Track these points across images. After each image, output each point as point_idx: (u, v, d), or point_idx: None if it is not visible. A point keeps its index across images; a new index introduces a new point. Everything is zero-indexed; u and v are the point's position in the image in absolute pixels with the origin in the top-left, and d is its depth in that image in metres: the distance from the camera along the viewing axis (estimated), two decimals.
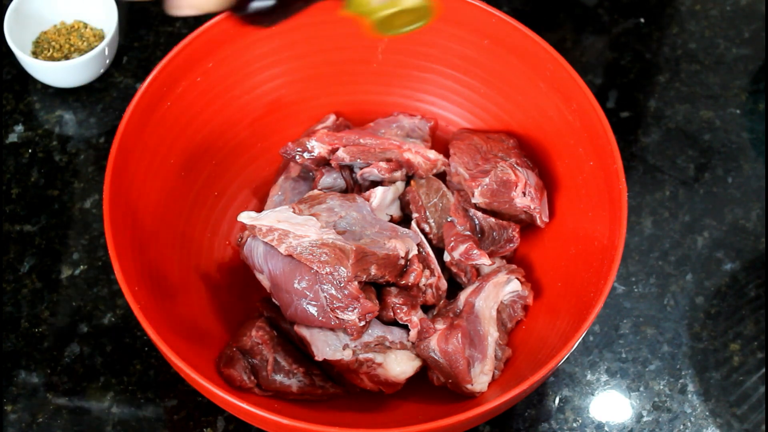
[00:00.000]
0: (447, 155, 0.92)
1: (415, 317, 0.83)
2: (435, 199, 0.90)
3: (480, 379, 0.82)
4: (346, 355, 0.82)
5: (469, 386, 0.82)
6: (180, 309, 0.85)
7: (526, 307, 0.88)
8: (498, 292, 0.86)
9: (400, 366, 0.83)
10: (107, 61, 1.05)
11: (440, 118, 0.98)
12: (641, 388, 0.92)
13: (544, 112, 0.90)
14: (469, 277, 0.88)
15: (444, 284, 0.87)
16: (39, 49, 1.05)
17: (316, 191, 0.89)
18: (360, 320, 0.80)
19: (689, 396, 0.92)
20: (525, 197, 0.88)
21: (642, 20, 1.14)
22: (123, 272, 0.76)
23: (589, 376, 0.92)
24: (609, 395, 0.92)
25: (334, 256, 0.79)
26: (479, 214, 0.89)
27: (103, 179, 0.80)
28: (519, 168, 0.89)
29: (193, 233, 0.91)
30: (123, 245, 0.79)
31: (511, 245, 0.90)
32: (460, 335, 0.81)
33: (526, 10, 1.14)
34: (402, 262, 0.83)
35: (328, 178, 0.91)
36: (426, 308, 0.87)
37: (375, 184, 0.91)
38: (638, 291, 0.97)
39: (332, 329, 0.83)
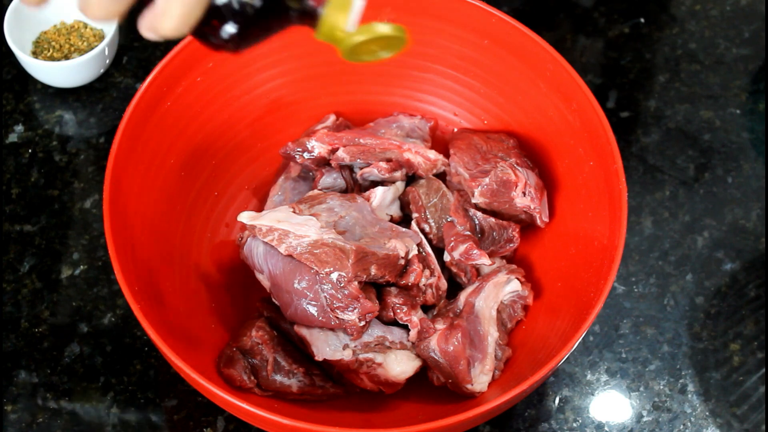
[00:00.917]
0: (447, 155, 0.92)
1: (415, 317, 0.83)
2: (435, 199, 0.90)
3: (480, 379, 0.82)
4: (346, 355, 0.82)
5: (469, 386, 0.82)
6: (180, 309, 0.85)
7: (526, 307, 0.88)
8: (498, 292, 0.86)
9: (400, 366, 0.83)
10: (107, 61, 1.05)
11: (440, 118, 0.98)
12: (641, 388, 0.92)
13: (544, 112, 0.90)
14: (469, 277, 0.88)
15: (444, 284, 0.87)
16: (39, 49, 1.05)
17: (316, 191, 0.89)
18: (360, 320, 0.80)
19: (689, 396, 0.92)
20: (525, 197, 0.88)
21: (642, 20, 1.14)
22: (123, 272, 0.76)
23: (589, 376, 0.92)
24: (609, 395, 0.92)
25: (334, 256, 0.79)
26: (479, 214, 0.89)
27: (103, 179, 0.80)
28: (519, 168, 0.89)
29: (193, 233, 0.91)
30: (123, 245, 0.79)
31: (511, 245, 0.90)
32: (460, 335, 0.81)
33: (526, 10, 1.14)
34: (402, 262, 0.83)
35: (328, 178, 0.91)
36: (426, 308, 0.87)
37: (375, 184, 0.91)
38: (638, 291, 0.97)
39: (332, 329, 0.83)
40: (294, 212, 0.84)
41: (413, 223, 0.89)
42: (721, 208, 1.02)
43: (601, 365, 0.93)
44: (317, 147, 0.89)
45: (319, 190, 0.90)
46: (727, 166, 1.04)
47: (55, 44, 1.05)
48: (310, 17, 0.62)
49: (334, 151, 0.89)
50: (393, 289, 0.84)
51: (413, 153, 0.90)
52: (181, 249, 0.89)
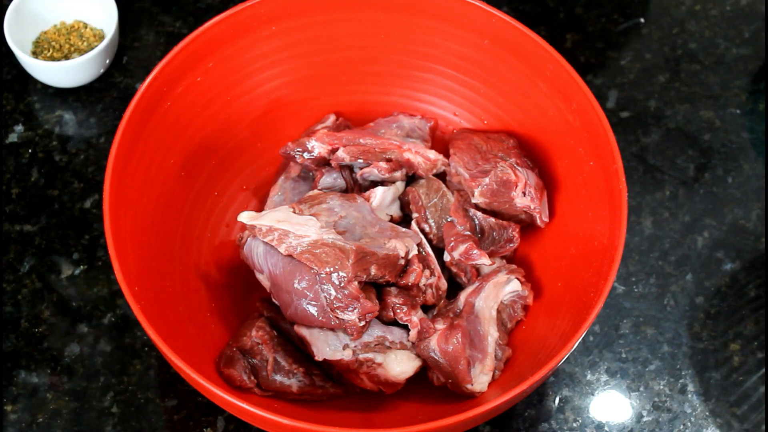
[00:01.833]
0: (447, 155, 0.92)
1: (415, 317, 0.83)
2: (435, 199, 0.90)
3: (480, 379, 0.82)
4: (346, 355, 0.82)
5: (469, 386, 0.82)
6: (180, 309, 0.85)
7: (526, 307, 0.88)
8: (498, 292, 0.86)
9: (400, 366, 0.83)
10: (107, 61, 1.05)
11: (440, 118, 0.98)
12: (641, 388, 0.92)
13: (544, 112, 0.90)
14: (469, 277, 0.88)
15: (444, 284, 0.87)
16: (39, 49, 1.05)
17: (316, 191, 0.89)
18: (360, 320, 0.80)
19: (689, 396, 0.92)
20: (525, 197, 0.88)
21: (642, 20, 1.14)
22: (123, 272, 0.76)
23: (589, 376, 0.92)
24: (609, 395, 0.92)
25: (334, 256, 0.79)
26: (479, 214, 0.89)
27: (103, 179, 0.80)
28: (519, 168, 0.89)
29: (193, 233, 0.91)
30: (123, 245, 0.79)
31: (511, 245, 0.90)
32: (460, 335, 0.81)
33: (526, 10, 1.14)
34: (402, 262, 0.83)
35: (328, 178, 0.91)
36: (426, 308, 0.87)
37: (375, 184, 0.91)
38: (638, 291, 0.97)
39: (332, 329, 0.83)
40: (294, 212, 0.84)
41: (413, 223, 0.89)
42: (721, 208, 1.02)
43: (601, 365, 0.93)
44: (317, 147, 0.89)
45: (319, 190, 0.90)
46: (727, 166, 1.04)
47: (55, 44, 1.05)
48: None
49: (334, 151, 0.89)
50: (393, 289, 0.84)
51: (413, 153, 0.90)
52: (181, 249, 0.89)
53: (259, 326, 0.85)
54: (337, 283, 0.79)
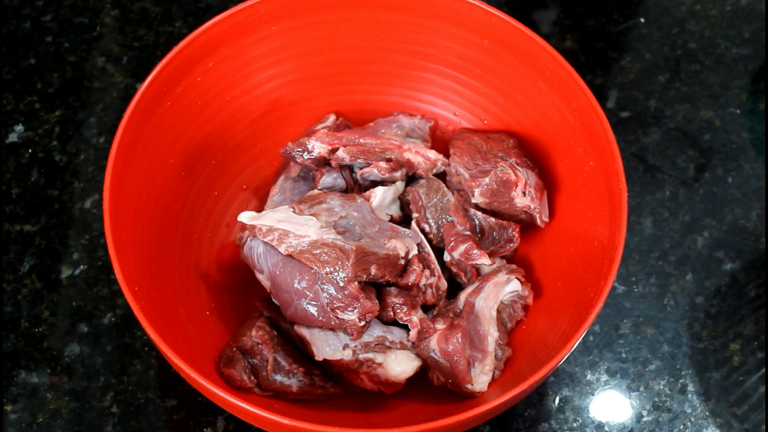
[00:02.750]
0: (447, 155, 0.92)
1: (415, 317, 0.83)
2: (435, 199, 0.90)
3: (480, 379, 0.82)
4: (346, 355, 0.82)
5: (469, 386, 0.82)
6: (180, 309, 0.85)
7: (526, 307, 0.88)
8: (498, 292, 0.86)
9: (400, 366, 0.83)
10: None
11: (440, 118, 0.98)
12: (641, 388, 0.92)
13: (544, 112, 0.90)
14: (469, 277, 0.88)
15: (444, 284, 0.87)
16: None
17: (316, 191, 0.89)
18: (360, 320, 0.80)
19: (689, 396, 0.92)
20: (525, 197, 0.88)
21: (642, 20, 1.14)
22: (123, 272, 0.76)
23: (589, 376, 0.92)
24: (609, 395, 0.92)
25: (334, 256, 0.79)
26: (479, 214, 0.89)
27: (103, 179, 0.80)
28: (519, 168, 0.89)
29: (193, 233, 0.91)
30: (123, 245, 0.79)
31: (511, 245, 0.90)
32: (460, 335, 0.81)
33: (526, 10, 1.14)
34: (402, 262, 0.83)
35: (328, 178, 0.91)
36: (426, 308, 0.87)
37: (375, 184, 0.91)
38: (638, 291, 0.97)
39: (332, 329, 0.83)
40: (294, 212, 0.84)
41: (413, 223, 0.89)
42: (721, 208, 1.02)
43: (601, 365, 0.93)
44: (317, 147, 0.89)
45: (319, 190, 0.90)
46: (727, 166, 1.04)
47: None
48: None
49: (334, 151, 0.89)
50: (393, 289, 0.84)
51: (413, 153, 0.90)
52: (181, 249, 0.89)
53: (259, 326, 0.85)
54: (337, 283, 0.79)
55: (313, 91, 0.97)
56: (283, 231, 0.82)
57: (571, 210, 0.89)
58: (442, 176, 0.92)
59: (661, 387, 0.92)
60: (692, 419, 0.91)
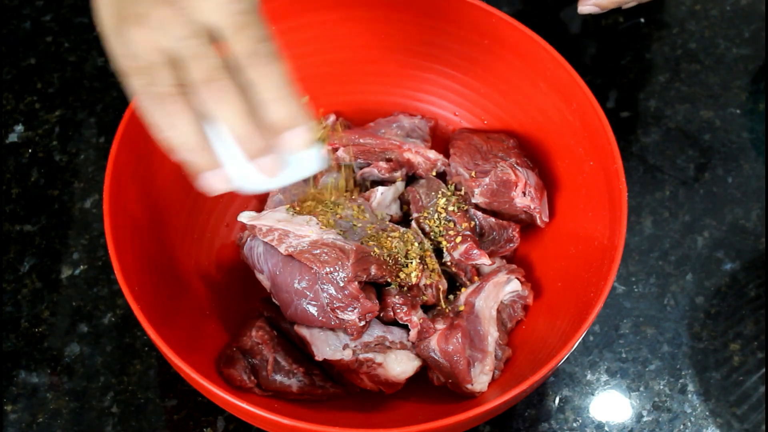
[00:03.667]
0: (447, 155, 0.92)
1: (415, 317, 0.83)
2: (435, 199, 0.90)
3: (480, 379, 0.82)
4: (346, 355, 0.82)
5: (469, 386, 0.82)
6: (180, 309, 0.85)
7: (526, 307, 0.88)
8: (498, 292, 0.86)
9: (400, 366, 0.83)
10: None
11: (440, 118, 0.98)
12: (641, 388, 0.92)
13: (544, 112, 0.90)
14: (469, 277, 0.88)
15: (444, 284, 0.87)
16: None
17: (316, 191, 0.89)
18: (360, 320, 0.80)
19: (689, 396, 0.92)
20: (525, 197, 0.88)
21: (642, 20, 1.14)
22: (123, 272, 0.76)
23: (589, 376, 0.92)
24: (609, 395, 0.92)
25: (334, 256, 0.79)
26: (479, 214, 0.89)
27: (103, 179, 0.80)
28: (519, 168, 0.89)
29: (193, 233, 0.91)
30: (123, 245, 0.79)
31: (511, 245, 0.90)
32: (460, 335, 0.81)
33: (526, 10, 1.14)
34: (402, 262, 0.83)
35: (328, 179, 0.91)
36: (426, 308, 0.87)
37: (375, 184, 0.91)
38: (638, 291, 0.97)
39: (332, 329, 0.83)
40: (294, 212, 0.84)
41: (413, 223, 0.89)
42: (721, 208, 1.02)
43: (601, 365, 0.93)
44: None
45: (319, 190, 0.90)
46: (727, 166, 1.04)
47: None
48: None
49: (334, 151, 0.89)
50: (393, 289, 0.84)
51: (413, 153, 0.90)
52: (181, 249, 0.89)
53: (259, 326, 0.85)
54: (337, 283, 0.79)
55: (313, 91, 0.97)
56: (283, 231, 0.82)
57: (571, 210, 0.89)
58: (442, 176, 0.92)
59: (661, 387, 0.92)
60: (692, 419, 0.91)
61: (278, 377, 0.83)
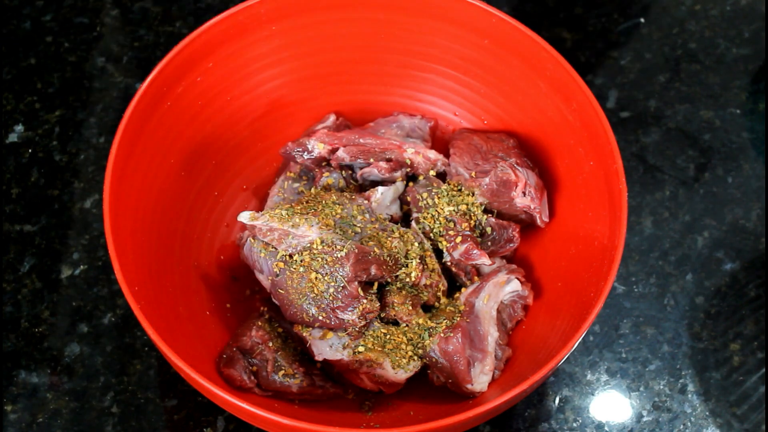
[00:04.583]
0: (447, 155, 0.92)
1: (415, 317, 0.83)
2: (435, 199, 0.90)
3: (480, 379, 0.82)
4: (346, 355, 0.82)
5: (469, 386, 0.82)
6: (180, 309, 0.85)
7: (526, 307, 0.88)
8: (498, 292, 0.86)
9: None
10: None
11: (440, 118, 0.98)
12: (641, 388, 0.92)
13: (544, 112, 0.90)
14: (469, 277, 0.88)
15: (444, 284, 0.87)
16: None
17: (315, 191, 0.89)
18: (360, 320, 0.80)
19: (689, 396, 0.92)
20: (525, 197, 0.88)
21: (642, 20, 1.14)
22: (123, 272, 0.76)
23: (589, 376, 0.92)
24: (609, 395, 0.92)
25: (334, 256, 0.79)
26: (479, 213, 0.89)
27: (103, 179, 0.80)
28: (519, 168, 0.89)
29: (193, 233, 0.91)
30: (123, 245, 0.79)
31: (511, 245, 0.90)
32: (460, 335, 0.81)
33: (526, 10, 1.14)
34: (402, 262, 0.83)
35: (328, 179, 0.91)
36: (426, 308, 0.87)
37: (375, 184, 0.91)
38: (638, 291, 0.97)
39: (332, 329, 0.83)
40: (294, 212, 0.84)
41: (413, 223, 0.89)
42: (721, 208, 1.02)
43: (601, 365, 0.93)
44: (317, 147, 0.89)
45: (319, 189, 0.90)
46: (727, 166, 1.04)
47: None
48: None
49: (334, 151, 0.89)
50: (393, 289, 0.84)
51: (413, 153, 0.90)
52: (181, 249, 0.89)
53: (259, 326, 0.85)
54: (337, 282, 0.79)
55: (313, 91, 0.97)
56: (283, 231, 0.82)
57: (571, 210, 0.89)
58: (442, 176, 0.92)
59: (661, 387, 0.92)
60: (692, 419, 0.91)
61: (278, 377, 0.83)
